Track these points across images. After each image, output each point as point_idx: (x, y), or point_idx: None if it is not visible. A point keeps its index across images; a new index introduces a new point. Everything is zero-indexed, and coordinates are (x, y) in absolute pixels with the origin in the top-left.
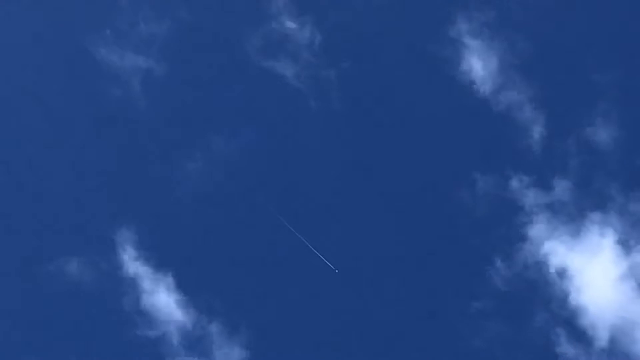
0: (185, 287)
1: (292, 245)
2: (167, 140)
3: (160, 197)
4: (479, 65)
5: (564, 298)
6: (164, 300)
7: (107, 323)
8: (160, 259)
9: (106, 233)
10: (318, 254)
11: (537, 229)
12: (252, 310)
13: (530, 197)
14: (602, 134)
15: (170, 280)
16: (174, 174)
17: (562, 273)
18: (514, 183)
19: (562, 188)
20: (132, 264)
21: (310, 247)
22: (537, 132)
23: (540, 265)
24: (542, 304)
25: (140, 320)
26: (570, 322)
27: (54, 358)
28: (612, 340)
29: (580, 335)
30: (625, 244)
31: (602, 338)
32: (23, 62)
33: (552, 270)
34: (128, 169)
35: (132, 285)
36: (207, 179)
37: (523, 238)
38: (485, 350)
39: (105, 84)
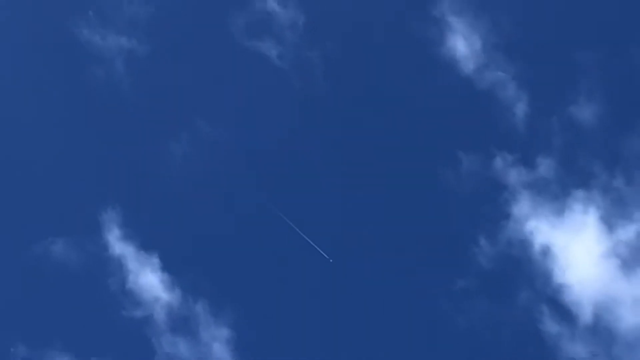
0: (171, 268)
1: (277, 225)
2: (152, 120)
3: (145, 177)
4: (462, 44)
5: (547, 276)
6: (149, 280)
7: (93, 303)
8: (145, 239)
9: (91, 214)
10: (313, 244)
11: (520, 207)
12: (238, 290)
13: (514, 176)
14: (586, 112)
15: (155, 260)
16: (158, 154)
17: (545, 251)
18: (498, 161)
19: (545, 166)
20: (118, 244)
21: (304, 236)
22: (520, 110)
23: (524, 243)
24: (526, 281)
25: (126, 301)
26: (554, 299)
27: (38, 339)
28: (596, 318)
29: (564, 312)
30: (609, 222)
31: (585, 315)
32: (4, 43)
33: (535, 248)
34: (113, 149)
35: (117, 266)
36: (192, 159)
37: (507, 216)
38: (469, 328)
39: (88, 65)
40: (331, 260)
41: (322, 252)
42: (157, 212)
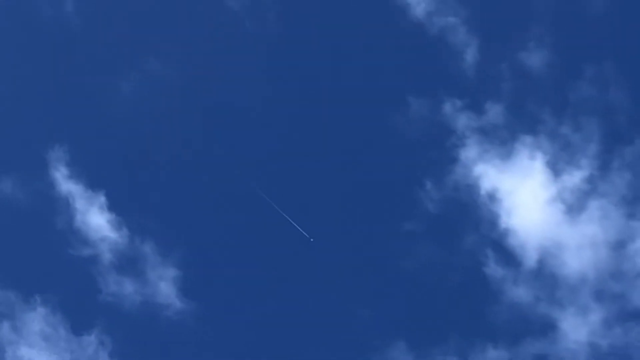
0: (119, 207)
1: (226, 166)
2: (102, 59)
3: (94, 116)
4: None
5: (493, 220)
6: (97, 219)
7: (40, 242)
8: (93, 178)
9: (39, 152)
10: (294, 224)
11: (468, 151)
12: (186, 230)
13: (463, 121)
14: (535, 59)
15: (103, 199)
16: (108, 93)
17: (492, 195)
18: (447, 106)
19: (494, 112)
20: (65, 183)
21: (286, 216)
22: (470, 55)
23: (471, 187)
24: (472, 226)
25: (73, 240)
26: (499, 244)
27: None
28: (540, 262)
29: (508, 257)
30: (555, 167)
31: (530, 260)
32: None
33: (482, 192)
34: (61, 88)
35: (65, 205)
36: (141, 99)
37: (454, 161)
38: (414, 271)
39: (37, 3)
40: (312, 240)
41: (302, 231)
42: (105, 151)
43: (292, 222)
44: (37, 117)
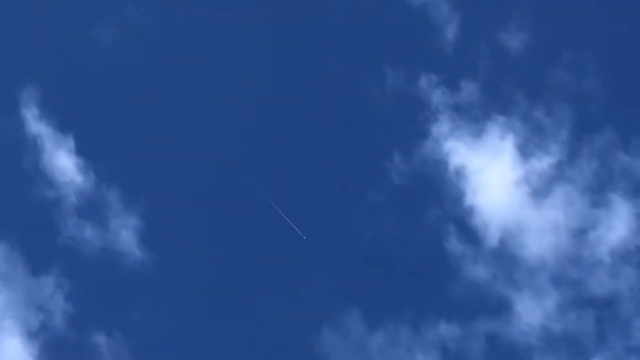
0: (87, 151)
1: (199, 121)
2: (81, 2)
3: (70, 59)
4: None
5: (458, 197)
6: (64, 162)
7: (4, 180)
8: (63, 120)
9: (10, 90)
10: (288, 220)
11: (440, 127)
12: (152, 181)
13: (437, 96)
14: (514, 41)
15: (71, 142)
16: (85, 38)
17: (459, 172)
18: (423, 81)
19: (469, 89)
20: (35, 123)
21: (281, 213)
22: (450, 31)
23: (439, 163)
24: (437, 201)
25: (39, 180)
26: (462, 221)
27: None
28: (501, 243)
29: (470, 234)
30: (524, 150)
31: (491, 239)
32: None
33: (450, 169)
34: (37, 26)
35: (33, 144)
36: (119, 46)
37: (425, 135)
38: (375, 241)
39: None
40: (304, 237)
41: (296, 229)
42: (79, 95)
43: (287, 219)
44: (11, 55)
